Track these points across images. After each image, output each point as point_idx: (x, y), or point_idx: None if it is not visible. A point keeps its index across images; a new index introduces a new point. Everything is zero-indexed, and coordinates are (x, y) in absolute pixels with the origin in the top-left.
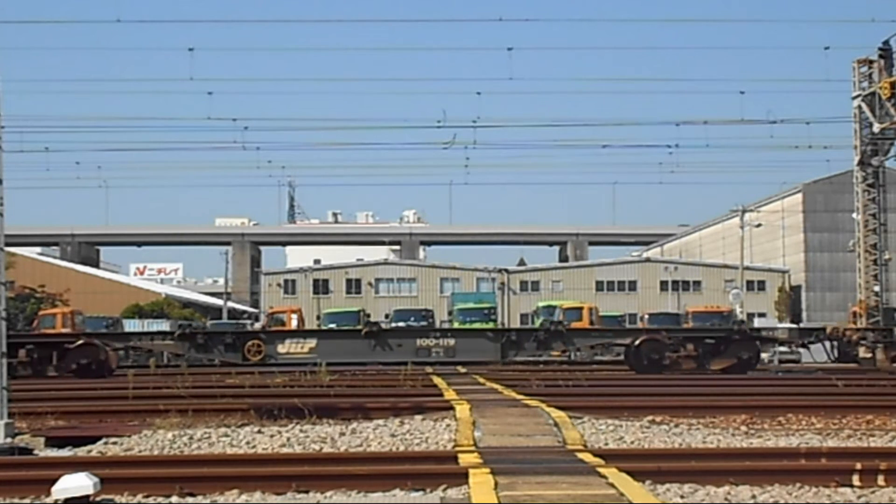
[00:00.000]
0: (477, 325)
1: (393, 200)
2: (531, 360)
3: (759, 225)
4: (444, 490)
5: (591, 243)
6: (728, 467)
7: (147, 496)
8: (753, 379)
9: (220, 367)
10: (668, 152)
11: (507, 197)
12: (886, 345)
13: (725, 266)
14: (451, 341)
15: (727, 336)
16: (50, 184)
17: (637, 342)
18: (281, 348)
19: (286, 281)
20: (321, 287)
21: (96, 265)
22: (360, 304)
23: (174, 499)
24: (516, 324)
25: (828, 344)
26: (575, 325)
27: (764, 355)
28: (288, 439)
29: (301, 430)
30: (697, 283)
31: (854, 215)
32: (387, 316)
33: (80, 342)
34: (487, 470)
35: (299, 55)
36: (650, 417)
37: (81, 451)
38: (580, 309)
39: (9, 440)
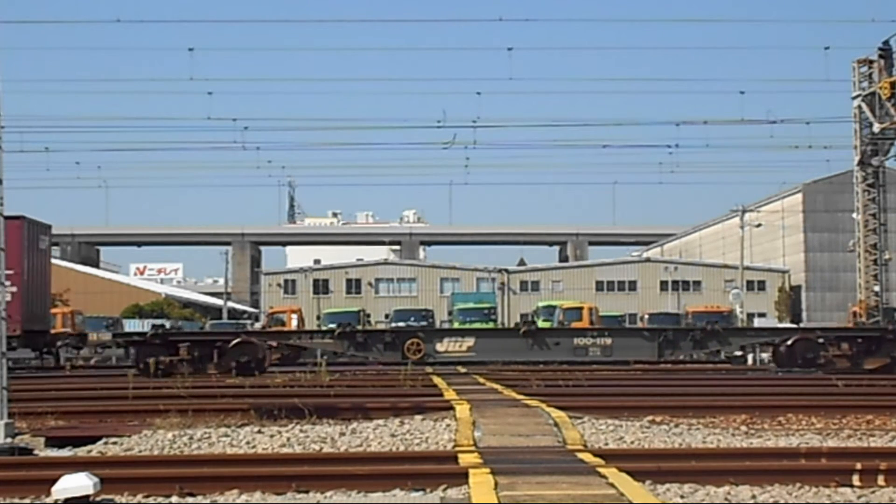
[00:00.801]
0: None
1: (393, 200)
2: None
3: (759, 225)
4: (444, 490)
5: (591, 243)
6: (728, 467)
7: (147, 496)
8: (753, 379)
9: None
10: (668, 152)
11: (507, 197)
12: None
13: (725, 266)
14: (608, 340)
15: (881, 335)
16: (50, 184)
17: (791, 342)
18: (440, 347)
19: (286, 281)
20: (321, 287)
21: (96, 265)
22: (360, 304)
23: (174, 499)
24: None
25: None
26: (575, 325)
27: (764, 355)
28: (288, 439)
29: (301, 430)
30: (697, 283)
31: (854, 215)
32: (387, 316)
33: (239, 340)
34: (487, 470)
35: (299, 55)
36: (650, 417)
37: (81, 451)
38: (580, 309)
39: (9, 440)
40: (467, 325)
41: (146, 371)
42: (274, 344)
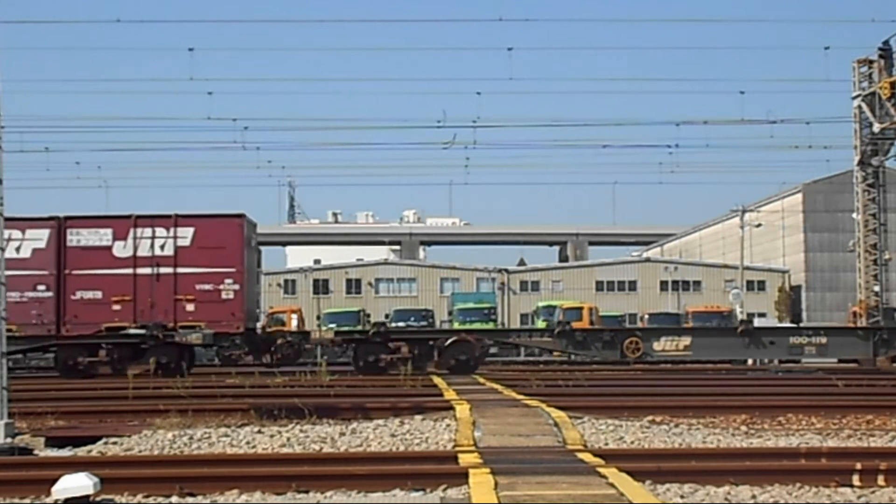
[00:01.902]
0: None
1: (393, 200)
2: (531, 360)
3: (759, 225)
4: (444, 490)
5: (591, 243)
6: (728, 467)
7: (147, 496)
8: (753, 379)
9: (219, 367)
10: (668, 152)
11: (507, 197)
12: None
13: (725, 266)
14: (823, 339)
15: None
16: (50, 184)
17: None
18: (657, 346)
19: (286, 281)
20: (321, 287)
21: None
22: (361, 304)
23: (174, 499)
24: (516, 324)
25: None
26: (575, 324)
27: None
28: (288, 439)
29: (301, 430)
30: (697, 283)
31: (854, 215)
32: (387, 316)
33: (455, 338)
34: (487, 470)
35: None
36: (650, 417)
37: (81, 451)
38: (580, 309)
39: (9, 440)
40: (468, 325)
41: (366, 369)
42: (490, 342)
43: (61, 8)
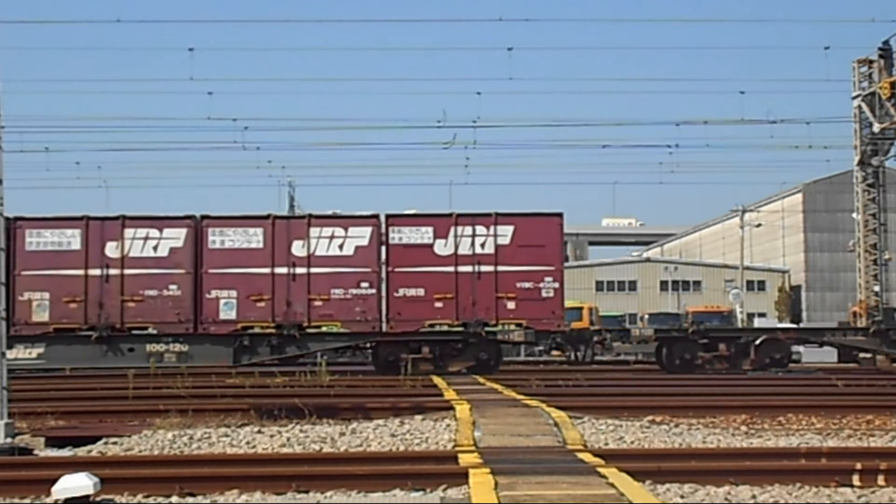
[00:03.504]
0: None
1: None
2: (531, 360)
3: (759, 225)
4: (444, 490)
5: (591, 243)
6: (728, 467)
7: (147, 496)
8: (753, 379)
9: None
10: (668, 152)
11: (507, 197)
12: None
13: (725, 266)
14: None
15: None
16: (50, 184)
17: None
18: None
19: None
20: None
21: None
22: None
23: (174, 499)
24: None
25: None
26: (575, 324)
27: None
28: (288, 439)
29: (301, 430)
30: (697, 283)
31: (854, 215)
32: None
33: (764, 337)
34: (487, 470)
35: (299, 55)
36: (650, 417)
37: (81, 451)
38: (580, 309)
39: (9, 440)
40: None
41: (680, 367)
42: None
43: (61, 8)
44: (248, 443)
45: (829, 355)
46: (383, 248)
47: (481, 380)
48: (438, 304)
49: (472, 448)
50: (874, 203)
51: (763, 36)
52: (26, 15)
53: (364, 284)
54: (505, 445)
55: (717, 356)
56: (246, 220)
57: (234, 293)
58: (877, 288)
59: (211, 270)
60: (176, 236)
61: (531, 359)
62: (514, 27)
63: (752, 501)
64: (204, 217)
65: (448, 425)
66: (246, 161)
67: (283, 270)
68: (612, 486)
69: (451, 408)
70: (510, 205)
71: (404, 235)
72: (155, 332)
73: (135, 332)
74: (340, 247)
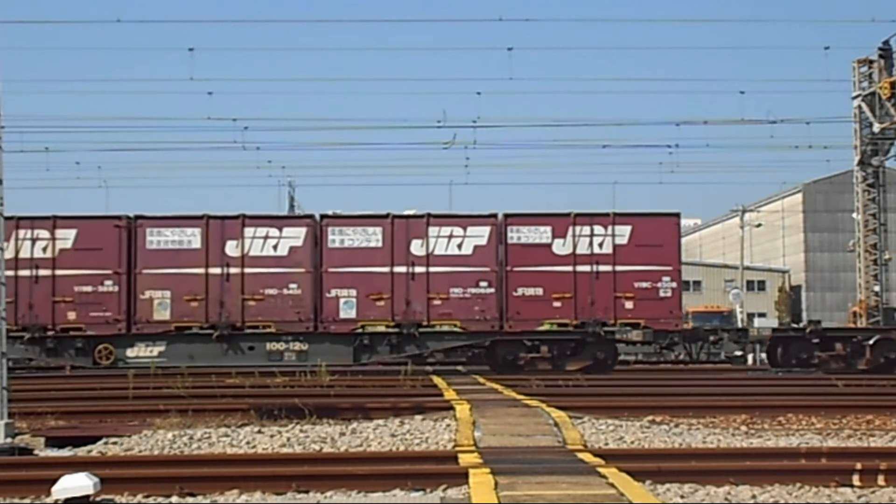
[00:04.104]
0: None
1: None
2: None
3: (759, 225)
4: (444, 490)
5: None
6: (728, 467)
7: (147, 496)
8: (753, 379)
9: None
10: (668, 152)
11: (507, 197)
12: None
13: (725, 266)
14: None
15: None
16: (50, 184)
17: None
18: None
19: None
20: None
21: None
22: None
23: (174, 499)
24: None
25: None
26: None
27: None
28: (288, 439)
29: (301, 430)
30: (697, 283)
31: (854, 215)
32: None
33: (878, 337)
34: (487, 470)
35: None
36: (650, 417)
37: (81, 451)
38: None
39: (9, 440)
40: None
41: (795, 366)
42: None
43: (61, 8)
44: (248, 443)
45: None
46: (501, 248)
47: (481, 380)
48: (557, 304)
49: (472, 448)
50: (874, 203)
51: (763, 36)
52: (26, 15)
53: (483, 284)
54: (505, 445)
55: (834, 356)
56: (365, 219)
57: (353, 292)
58: (877, 288)
59: (331, 269)
60: (296, 235)
61: (642, 358)
62: (514, 27)
63: (752, 501)
64: (323, 216)
65: (448, 425)
66: (246, 161)
67: (403, 269)
68: (612, 486)
69: (451, 408)
70: (510, 205)
71: (522, 235)
72: (275, 330)
73: (255, 330)
74: (459, 246)
